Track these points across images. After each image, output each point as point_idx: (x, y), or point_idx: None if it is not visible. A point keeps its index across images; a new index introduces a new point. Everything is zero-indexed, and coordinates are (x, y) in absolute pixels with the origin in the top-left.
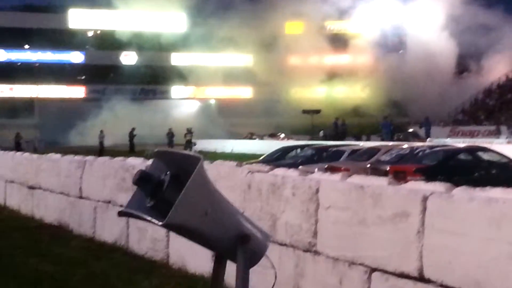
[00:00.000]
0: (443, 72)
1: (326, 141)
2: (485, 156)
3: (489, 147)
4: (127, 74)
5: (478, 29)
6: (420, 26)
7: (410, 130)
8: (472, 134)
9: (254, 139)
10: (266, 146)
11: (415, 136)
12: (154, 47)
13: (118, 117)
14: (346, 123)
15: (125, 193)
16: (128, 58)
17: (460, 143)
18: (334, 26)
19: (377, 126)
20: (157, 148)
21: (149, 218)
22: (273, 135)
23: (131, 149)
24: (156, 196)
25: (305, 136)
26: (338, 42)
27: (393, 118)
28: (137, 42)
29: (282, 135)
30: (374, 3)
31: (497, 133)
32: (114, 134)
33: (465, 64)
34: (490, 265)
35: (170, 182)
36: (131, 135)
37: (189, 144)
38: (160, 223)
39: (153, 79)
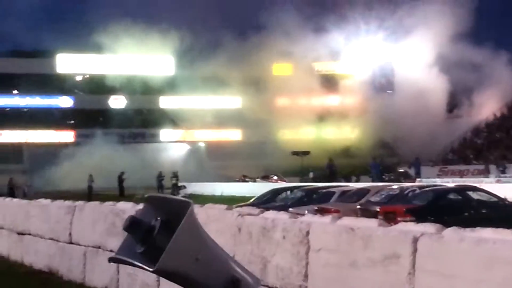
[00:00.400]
0: (433, 112)
1: (316, 183)
2: (474, 195)
3: (479, 187)
4: (116, 118)
5: (467, 68)
6: (408, 66)
7: (401, 170)
8: (461, 174)
9: (247, 181)
10: (256, 189)
11: (406, 176)
12: (142, 91)
13: (107, 161)
14: (336, 164)
15: (115, 237)
16: (117, 102)
17: (450, 182)
18: (323, 67)
19: (366, 167)
20: (147, 192)
21: (139, 264)
22: (266, 177)
23: (121, 193)
24: (146, 241)
25: (297, 177)
26: (327, 83)
27: (382, 158)
28: (126, 86)
29: (275, 177)
30: (362, 44)
31: (486, 172)
32: (103, 178)
33: (455, 103)
34: None
35: (160, 227)
36: (120, 179)
37: (175, 187)
38: (151, 269)
39: (142, 123)
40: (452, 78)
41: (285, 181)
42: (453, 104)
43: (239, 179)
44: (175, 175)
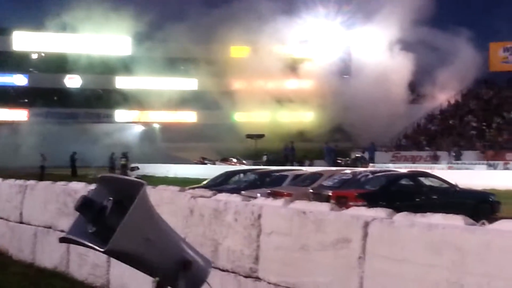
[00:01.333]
0: (391, 97)
1: (269, 166)
2: (426, 181)
3: (431, 173)
4: (71, 97)
5: (427, 53)
6: (367, 51)
7: (357, 155)
8: (414, 159)
9: (206, 164)
10: (210, 171)
11: (364, 161)
12: (98, 71)
13: (61, 141)
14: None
15: (66, 218)
16: (72, 81)
17: (403, 168)
18: (281, 50)
19: (321, 151)
20: (100, 173)
21: (90, 244)
22: (226, 160)
23: (73, 173)
24: (98, 222)
25: (251, 160)
26: (285, 66)
27: (337, 143)
28: (82, 65)
29: (234, 160)
30: (322, 28)
31: (434, 159)
32: (56, 157)
33: (413, 88)
34: None
35: (112, 208)
36: (73, 159)
37: (124, 168)
38: (102, 249)
39: (97, 103)
40: (412, 63)
41: (244, 164)
42: (412, 89)
43: (197, 161)
44: (124, 156)
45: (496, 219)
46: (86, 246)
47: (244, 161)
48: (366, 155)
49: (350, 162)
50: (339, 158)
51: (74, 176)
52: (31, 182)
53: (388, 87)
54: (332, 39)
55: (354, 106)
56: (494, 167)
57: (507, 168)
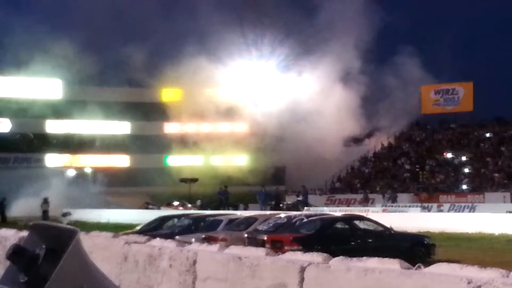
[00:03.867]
0: (322, 140)
1: (203, 210)
2: (361, 224)
3: (365, 216)
4: (0, 142)
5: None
6: (299, 94)
7: (299, 198)
8: (348, 202)
9: (151, 208)
10: (142, 216)
11: (305, 205)
12: (29, 114)
13: None
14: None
15: None
16: (2, 125)
17: (337, 211)
18: (214, 93)
19: (255, 195)
20: (31, 219)
21: None
22: (170, 204)
23: (3, 220)
24: (30, 270)
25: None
26: (218, 109)
27: (270, 186)
28: (12, 109)
29: (176, 203)
30: (255, 71)
31: (365, 202)
32: None
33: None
34: None
35: (45, 256)
36: (2, 205)
37: (45, 214)
38: None
39: (27, 147)
40: (346, 105)
41: (189, 207)
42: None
43: (141, 206)
44: (45, 201)
45: (431, 262)
46: None
47: (189, 205)
48: (301, 198)
49: (291, 205)
50: (281, 202)
51: (3, 222)
52: None
53: (322, 129)
54: (267, 82)
55: (286, 149)
56: (428, 209)
57: (441, 210)
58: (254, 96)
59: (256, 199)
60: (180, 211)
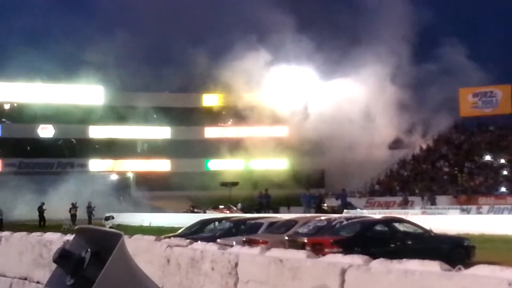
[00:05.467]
0: (361, 142)
1: (244, 213)
2: (401, 227)
3: (405, 218)
4: (44, 147)
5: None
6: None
7: (338, 201)
8: (387, 205)
9: (197, 212)
10: (183, 219)
11: (352, 207)
12: (71, 120)
13: (33, 191)
14: (270, 195)
15: (42, 269)
16: (45, 131)
17: (377, 214)
18: (253, 98)
19: (296, 198)
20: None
21: None
22: (216, 208)
23: (41, 224)
24: (76, 274)
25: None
26: (256, 114)
27: (310, 189)
28: (55, 115)
29: (221, 207)
30: (293, 76)
31: (404, 204)
32: (28, 208)
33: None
34: None
35: (91, 259)
36: (41, 210)
37: (73, 218)
38: None
39: (70, 152)
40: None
41: (234, 211)
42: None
43: (187, 210)
44: (74, 206)
45: (471, 264)
46: None
47: (235, 208)
48: (338, 201)
49: (337, 208)
50: (324, 205)
51: (42, 226)
52: (6, 233)
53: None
54: (307, 86)
55: (328, 152)
56: (467, 211)
57: (480, 213)
58: (296, 100)
59: (299, 202)
60: (224, 214)
